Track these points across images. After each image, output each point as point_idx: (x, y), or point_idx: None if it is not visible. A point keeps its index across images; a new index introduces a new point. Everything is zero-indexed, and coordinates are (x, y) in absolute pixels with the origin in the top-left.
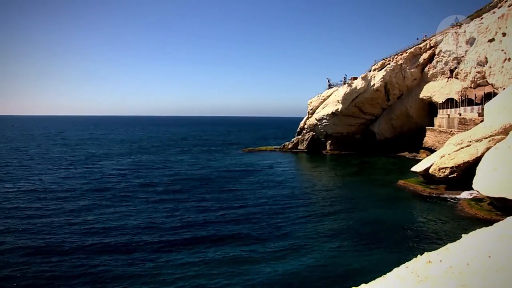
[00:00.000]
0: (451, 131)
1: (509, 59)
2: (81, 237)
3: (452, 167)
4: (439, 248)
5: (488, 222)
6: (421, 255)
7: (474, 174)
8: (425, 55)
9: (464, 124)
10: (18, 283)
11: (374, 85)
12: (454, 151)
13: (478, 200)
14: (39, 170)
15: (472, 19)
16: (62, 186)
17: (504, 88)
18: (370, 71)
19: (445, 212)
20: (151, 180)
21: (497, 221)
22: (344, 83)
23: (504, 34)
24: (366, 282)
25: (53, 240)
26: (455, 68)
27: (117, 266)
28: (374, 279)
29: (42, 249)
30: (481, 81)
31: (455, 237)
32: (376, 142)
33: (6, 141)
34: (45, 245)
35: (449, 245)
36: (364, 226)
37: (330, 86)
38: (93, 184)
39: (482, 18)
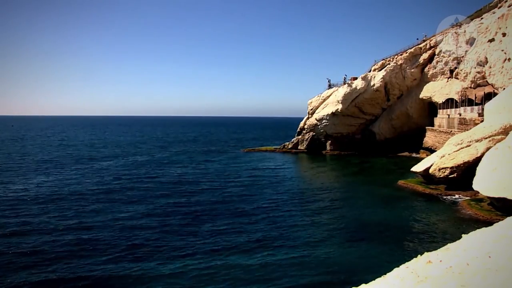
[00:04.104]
0: (451, 131)
1: (509, 59)
2: (81, 244)
3: (452, 167)
4: (439, 248)
5: (488, 222)
6: (421, 255)
7: (474, 174)
8: (425, 55)
9: (464, 124)
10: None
11: (374, 85)
12: (454, 151)
13: (478, 200)
14: (33, 173)
15: (472, 19)
16: (61, 188)
17: (504, 88)
18: (370, 71)
19: (445, 212)
20: (148, 181)
21: (497, 221)
22: (344, 83)
23: (504, 34)
24: (366, 282)
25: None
26: (455, 68)
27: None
28: (374, 279)
29: (38, 252)
30: (481, 81)
31: (455, 237)
32: (376, 142)
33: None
34: (37, 248)
35: (449, 245)
36: (364, 226)
37: (330, 86)
38: (91, 186)
39: (482, 18)
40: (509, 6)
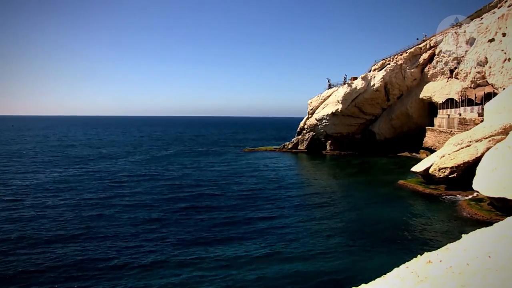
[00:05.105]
0: (451, 131)
1: (509, 59)
2: (79, 250)
3: (452, 167)
4: (439, 248)
5: (488, 222)
6: (421, 255)
7: (474, 174)
8: (425, 55)
9: (464, 124)
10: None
11: (374, 85)
12: (454, 151)
13: (478, 200)
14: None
15: (472, 19)
16: (60, 190)
17: (504, 88)
18: (370, 71)
19: (445, 212)
20: (149, 182)
21: (497, 221)
22: (344, 83)
23: (504, 34)
24: (366, 282)
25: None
26: (455, 68)
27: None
28: (374, 279)
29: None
30: (481, 81)
31: (455, 237)
32: (376, 142)
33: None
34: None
35: (449, 245)
36: (364, 226)
37: (330, 86)
38: (90, 188)
39: (482, 18)
40: (509, 6)
